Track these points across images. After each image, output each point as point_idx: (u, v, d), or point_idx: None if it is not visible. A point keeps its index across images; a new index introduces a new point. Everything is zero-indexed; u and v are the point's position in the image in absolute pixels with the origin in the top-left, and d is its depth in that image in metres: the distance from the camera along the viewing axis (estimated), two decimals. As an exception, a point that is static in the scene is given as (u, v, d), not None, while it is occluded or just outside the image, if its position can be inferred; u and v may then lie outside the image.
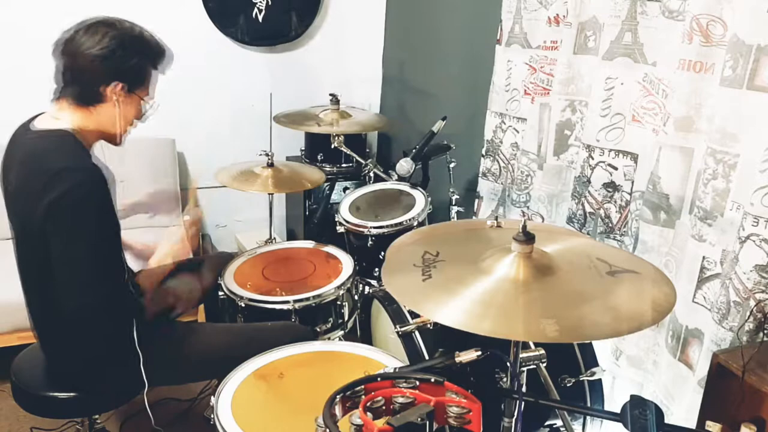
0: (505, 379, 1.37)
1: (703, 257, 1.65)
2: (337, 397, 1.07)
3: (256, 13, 3.23)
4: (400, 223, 2.29)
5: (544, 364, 1.33)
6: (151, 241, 1.86)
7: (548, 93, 2.21)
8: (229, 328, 1.96)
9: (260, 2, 3.21)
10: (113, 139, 1.67)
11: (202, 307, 2.64)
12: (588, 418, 1.82)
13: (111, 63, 1.55)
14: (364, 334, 2.21)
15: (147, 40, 1.62)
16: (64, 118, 1.59)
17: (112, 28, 1.56)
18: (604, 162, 2.00)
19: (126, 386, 1.72)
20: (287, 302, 2.00)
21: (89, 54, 1.54)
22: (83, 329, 1.58)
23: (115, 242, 1.58)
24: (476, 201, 2.65)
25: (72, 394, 1.68)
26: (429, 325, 1.74)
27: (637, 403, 1.09)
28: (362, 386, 1.10)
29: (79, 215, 1.47)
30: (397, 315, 1.82)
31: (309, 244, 2.42)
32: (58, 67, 1.58)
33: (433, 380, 1.10)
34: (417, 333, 1.75)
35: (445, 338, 1.71)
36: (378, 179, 2.70)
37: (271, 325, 1.95)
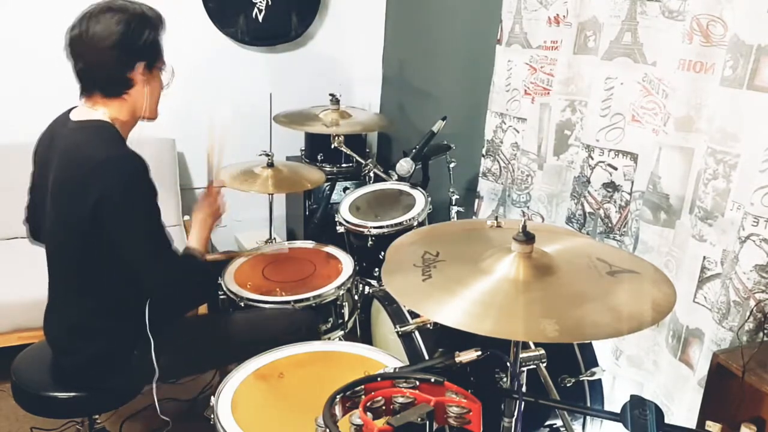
0: (505, 379, 1.37)
1: (704, 257, 1.65)
2: (337, 397, 1.07)
3: (256, 13, 3.23)
4: (400, 223, 2.29)
5: (544, 364, 1.33)
6: None
7: (548, 93, 2.21)
8: (232, 317, 1.98)
9: (260, 2, 3.21)
10: (149, 117, 1.69)
11: (204, 307, 2.65)
12: (588, 418, 1.82)
13: (127, 47, 1.56)
14: (364, 334, 2.21)
15: (145, 11, 1.62)
16: (99, 110, 1.62)
17: (113, 13, 1.56)
18: (603, 162, 2.00)
19: (130, 382, 1.73)
20: (287, 302, 2.00)
21: (104, 46, 1.54)
22: (169, 299, 1.68)
23: (162, 222, 1.63)
24: (476, 201, 2.65)
25: (72, 393, 1.68)
26: (429, 325, 1.75)
27: (637, 403, 1.09)
28: (362, 386, 1.10)
29: (134, 200, 1.53)
30: (397, 315, 1.82)
31: (309, 244, 2.42)
32: (77, 66, 1.59)
33: (433, 380, 1.10)
34: (417, 333, 1.75)
35: (445, 338, 1.71)
36: (378, 179, 2.70)
37: (272, 313, 1.97)
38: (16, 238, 2.83)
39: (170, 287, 1.63)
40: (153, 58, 1.63)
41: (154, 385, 1.69)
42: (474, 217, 2.68)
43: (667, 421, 1.08)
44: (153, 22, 1.62)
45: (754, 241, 1.49)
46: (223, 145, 1.91)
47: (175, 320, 1.77)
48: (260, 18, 3.24)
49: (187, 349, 1.78)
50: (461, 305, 1.12)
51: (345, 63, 3.54)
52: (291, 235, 3.44)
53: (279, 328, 1.83)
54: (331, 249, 2.36)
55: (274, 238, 2.68)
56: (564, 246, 1.31)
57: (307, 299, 2.02)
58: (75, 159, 1.55)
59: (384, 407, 1.08)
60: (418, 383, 1.10)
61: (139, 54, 1.59)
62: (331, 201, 2.86)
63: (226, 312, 2.10)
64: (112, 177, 1.50)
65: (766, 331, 1.49)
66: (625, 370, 1.98)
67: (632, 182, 1.94)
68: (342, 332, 2.15)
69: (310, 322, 1.95)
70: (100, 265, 1.60)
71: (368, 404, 1.06)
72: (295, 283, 2.14)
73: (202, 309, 2.67)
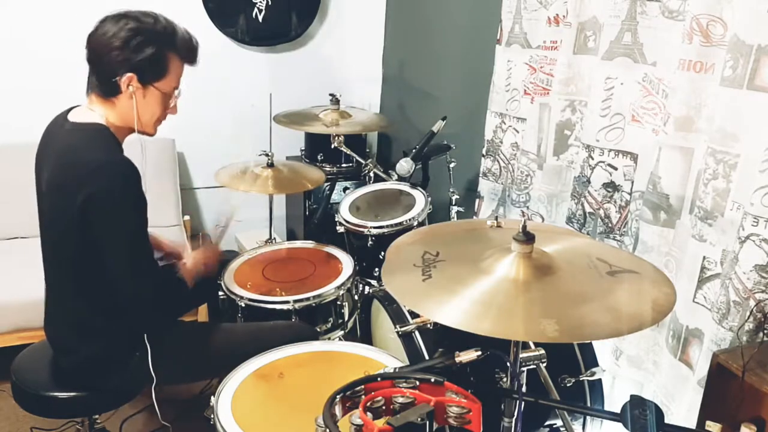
0: (505, 379, 1.37)
1: (704, 257, 1.65)
2: (337, 397, 1.07)
3: (256, 13, 3.23)
4: (400, 223, 2.29)
5: (544, 364, 1.33)
6: (176, 242, 1.97)
7: (548, 93, 2.21)
8: (232, 327, 1.97)
9: (260, 2, 3.21)
10: (143, 132, 1.69)
11: (204, 306, 2.65)
12: (588, 418, 1.82)
13: (124, 54, 1.56)
14: (364, 334, 2.21)
15: (168, 32, 1.61)
16: (96, 110, 1.62)
17: (130, 20, 1.57)
18: (603, 162, 2.00)
19: (130, 384, 1.73)
20: (287, 302, 2.00)
21: (106, 45, 1.56)
22: (141, 313, 1.66)
23: (147, 234, 1.62)
24: (476, 201, 2.65)
25: (72, 393, 1.68)
26: (429, 325, 1.74)
27: (637, 403, 1.09)
28: (362, 386, 1.10)
29: (120, 207, 1.53)
30: (397, 315, 1.82)
31: (309, 244, 2.42)
32: (87, 57, 1.60)
33: (433, 380, 1.10)
34: (417, 333, 1.75)
35: (445, 338, 1.71)
36: (378, 179, 2.70)
37: (273, 324, 1.96)
38: (16, 238, 2.83)
39: (142, 297, 1.62)
40: (151, 75, 1.61)
41: (153, 392, 1.68)
42: (474, 217, 2.68)
43: (667, 421, 1.08)
44: (170, 43, 1.61)
45: (753, 241, 1.49)
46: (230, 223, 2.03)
47: (148, 330, 1.75)
48: (260, 18, 3.24)
49: (186, 358, 1.78)
50: (461, 305, 1.12)
51: (345, 63, 3.54)
52: (291, 235, 3.44)
53: (279, 341, 1.81)
54: (331, 249, 2.36)
55: (274, 238, 2.68)
56: (564, 246, 1.31)
57: (307, 299, 2.02)
58: (68, 161, 1.55)
59: (384, 407, 1.08)
60: (418, 383, 1.10)
61: (133, 65, 1.57)
62: (331, 201, 2.87)
63: (226, 321, 2.10)
64: (101, 181, 1.50)
65: (766, 331, 1.49)
66: (625, 370, 1.98)
67: (632, 182, 1.94)
68: (342, 332, 2.15)
69: (310, 333, 1.94)
70: (93, 266, 1.60)
71: (368, 404, 1.06)
72: (295, 283, 2.13)
73: (203, 310, 2.67)
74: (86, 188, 1.49)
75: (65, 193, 1.53)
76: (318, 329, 2.06)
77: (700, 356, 1.65)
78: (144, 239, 1.60)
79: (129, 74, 1.58)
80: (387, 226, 2.29)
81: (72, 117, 1.64)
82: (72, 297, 1.67)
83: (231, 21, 3.21)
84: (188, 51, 1.67)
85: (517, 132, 2.39)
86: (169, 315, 1.82)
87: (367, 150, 3.44)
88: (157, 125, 1.71)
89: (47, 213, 1.63)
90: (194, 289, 1.77)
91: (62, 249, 1.63)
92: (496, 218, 1.63)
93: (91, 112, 1.62)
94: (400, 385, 1.10)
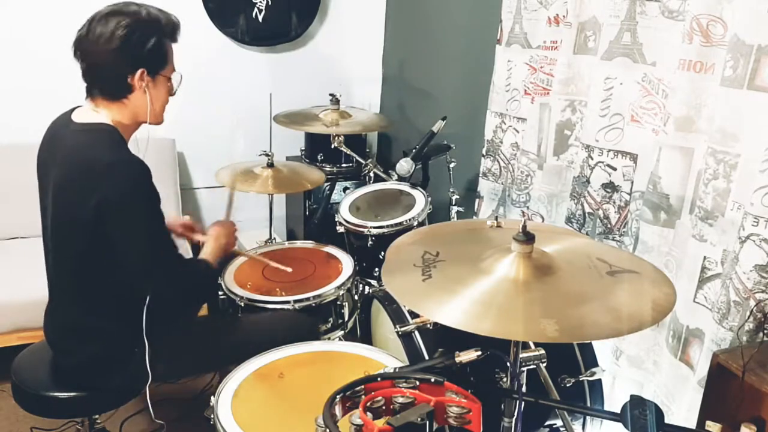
0: (505, 379, 1.37)
1: (704, 257, 1.65)
2: (337, 397, 1.07)
3: (256, 13, 3.23)
4: (400, 223, 2.29)
5: (544, 364, 1.33)
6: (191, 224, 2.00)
7: (548, 93, 2.21)
8: (231, 320, 1.97)
9: (260, 2, 3.21)
10: (154, 122, 1.69)
11: (204, 307, 2.64)
12: (588, 418, 1.82)
13: (129, 51, 1.56)
14: (364, 334, 2.21)
15: (156, 18, 1.61)
16: (102, 112, 1.62)
17: (121, 16, 1.55)
18: (603, 162, 2.00)
19: (130, 382, 1.73)
20: (287, 302, 2.00)
21: (106, 49, 1.54)
22: (171, 307, 1.68)
23: (165, 228, 1.64)
24: (476, 201, 2.66)
25: (72, 393, 1.68)
26: (429, 325, 1.75)
27: (637, 403, 1.09)
28: (362, 386, 1.10)
29: (136, 206, 1.53)
30: (397, 315, 1.82)
31: (309, 244, 2.42)
32: (81, 67, 1.59)
33: (433, 380, 1.10)
34: (417, 333, 1.75)
35: (445, 338, 1.71)
36: (378, 179, 2.70)
37: (271, 315, 1.97)
38: (16, 238, 2.83)
39: (172, 290, 1.63)
40: (157, 65, 1.62)
41: (147, 390, 1.69)
42: (474, 217, 2.68)
43: (667, 421, 1.08)
44: (162, 29, 1.61)
45: (754, 241, 1.49)
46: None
47: (175, 323, 1.76)
48: (260, 18, 3.24)
49: (186, 352, 1.78)
50: (461, 305, 1.12)
51: (345, 63, 3.54)
52: (291, 235, 3.44)
53: (279, 332, 1.82)
54: (331, 249, 2.36)
55: (274, 238, 2.68)
56: (564, 246, 1.31)
57: (307, 299, 2.02)
58: (77, 162, 1.55)
59: (384, 407, 1.08)
60: (418, 383, 1.10)
61: (141, 60, 1.58)
62: (331, 201, 2.86)
63: (226, 314, 2.10)
64: (114, 181, 1.50)
65: (766, 331, 1.49)
66: (625, 370, 1.98)
67: (632, 182, 1.94)
68: (342, 332, 2.15)
69: (310, 325, 1.94)
70: (99, 266, 1.60)
71: (368, 404, 1.06)
72: (295, 283, 2.13)
73: (203, 309, 2.67)
74: (100, 189, 1.49)
75: (75, 193, 1.53)
76: (318, 329, 2.06)
77: (701, 356, 1.65)
78: (164, 233, 1.61)
79: (140, 70, 1.58)
80: (387, 226, 2.29)
81: (76, 118, 1.63)
82: (73, 296, 1.67)
83: (231, 21, 3.21)
84: (174, 30, 1.65)
85: (517, 132, 2.39)
86: (198, 301, 1.87)
87: (367, 150, 3.44)
88: (164, 113, 1.71)
89: (53, 213, 1.62)
90: (217, 269, 1.80)
91: (66, 248, 1.63)
92: (496, 218, 1.63)
93: (96, 113, 1.62)
94: (400, 385, 1.10)
